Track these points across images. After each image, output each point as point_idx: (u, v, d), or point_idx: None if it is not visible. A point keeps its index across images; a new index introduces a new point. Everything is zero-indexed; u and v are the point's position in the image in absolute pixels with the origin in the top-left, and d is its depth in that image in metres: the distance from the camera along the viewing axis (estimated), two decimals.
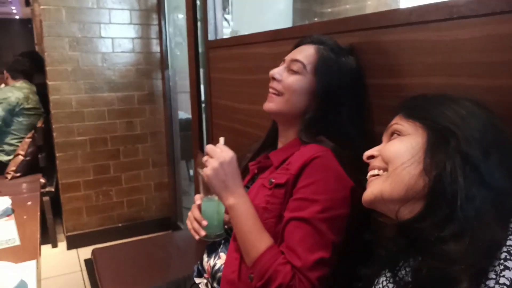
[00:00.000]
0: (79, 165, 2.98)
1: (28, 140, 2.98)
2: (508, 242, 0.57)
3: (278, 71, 1.13)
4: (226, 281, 1.04)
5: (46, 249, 2.99)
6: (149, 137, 3.22)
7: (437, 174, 0.66)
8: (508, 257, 0.56)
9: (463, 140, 0.67)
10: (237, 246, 1.02)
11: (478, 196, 0.63)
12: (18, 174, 2.87)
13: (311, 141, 1.05)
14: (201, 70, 2.39)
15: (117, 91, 3.04)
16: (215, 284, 1.11)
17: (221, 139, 1.06)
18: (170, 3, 3.15)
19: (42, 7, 2.74)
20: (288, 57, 1.14)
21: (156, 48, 3.15)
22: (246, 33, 2.06)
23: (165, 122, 3.26)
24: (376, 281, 0.78)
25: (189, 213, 1.14)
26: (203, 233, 1.07)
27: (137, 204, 3.23)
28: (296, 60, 1.10)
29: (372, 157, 0.82)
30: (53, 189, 3.00)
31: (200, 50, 2.37)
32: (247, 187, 1.18)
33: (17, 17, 11.26)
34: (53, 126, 2.86)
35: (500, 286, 0.54)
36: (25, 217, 1.51)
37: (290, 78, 1.10)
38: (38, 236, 1.34)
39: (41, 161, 3.03)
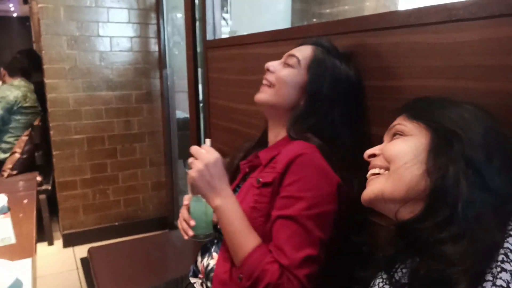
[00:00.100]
0: (76, 164, 2.97)
1: (25, 138, 2.97)
2: (505, 244, 0.58)
3: (273, 63, 1.15)
4: (218, 281, 1.05)
5: (42, 247, 2.99)
6: (147, 136, 3.22)
7: (439, 177, 0.66)
8: (505, 259, 0.56)
9: (467, 144, 0.67)
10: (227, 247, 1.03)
11: (479, 200, 0.63)
12: (14, 172, 2.86)
13: (298, 137, 1.06)
14: (199, 70, 2.39)
15: (115, 90, 3.03)
16: (209, 284, 1.11)
17: (207, 141, 1.06)
18: (168, 3, 3.14)
19: (40, 5, 2.73)
20: (286, 54, 1.16)
21: (154, 47, 3.14)
22: (245, 33, 2.07)
23: (162, 122, 3.26)
24: (372, 283, 0.78)
25: (180, 213, 1.15)
26: (191, 233, 1.07)
27: (134, 203, 3.23)
28: (293, 55, 1.12)
29: (373, 155, 0.82)
30: (49, 187, 3.00)
31: (198, 49, 2.37)
32: (238, 186, 1.18)
33: (15, 15, 11.22)
34: (50, 125, 2.86)
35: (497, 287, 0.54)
36: (21, 215, 1.50)
37: (283, 70, 1.12)
38: (34, 234, 1.34)
39: (38, 159, 3.02)
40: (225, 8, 2.89)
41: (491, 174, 0.65)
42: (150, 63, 3.14)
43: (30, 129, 3.05)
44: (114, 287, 1.62)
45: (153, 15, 3.11)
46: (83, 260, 2.69)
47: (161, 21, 3.12)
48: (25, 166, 2.94)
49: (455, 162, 0.66)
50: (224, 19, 2.41)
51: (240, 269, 0.95)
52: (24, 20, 10.33)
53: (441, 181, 0.66)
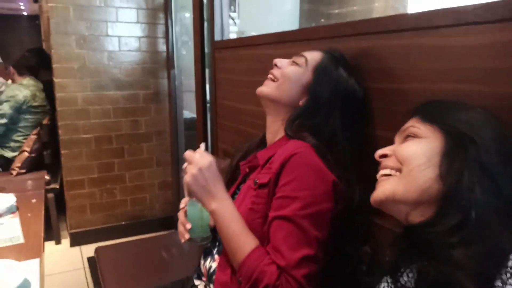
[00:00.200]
0: (83, 163, 2.99)
1: (33, 137, 2.99)
2: None
3: (281, 60, 1.17)
4: (220, 283, 1.05)
5: (49, 245, 3.01)
6: (154, 136, 3.23)
7: (454, 182, 0.66)
8: None
9: (482, 149, 0.67)
10: None
11: (492, 205, 0.63)
12: (23, 171, 2.88)
13: (294, 135, 1.06)
14: (207, 71, 2.39)
15: (122, 90, 3.05)
16: (212, 287, 1.11)
17: (202, 145, 1.06)
18: (177, 2, 3.15)
19: (50, 4, 2.75)
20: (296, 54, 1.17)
21: (162, 47, 3.15)
22: (253, 33, 2.07)
23: (170, 122, 3.27)
24: (377, 287, 0.78)
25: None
26: (187, 236, 1.07)
27: (140, 202, 3.24)
28: (301, 55, 1.14)
29: (384, 156, 0.81)
30: (57, 186, 3.02)
31: (206, 50, 2.37)
32: (238, 188, 1.18)
33: (24, 13, 11.31)
34: (59, 124, 2.88)
35: None
36: (29, 214, 1.51)
37: (289, 67, 1.14)
38: (42, 234, 1.34)
39: (46, 158, 3.04)
40: (232, 7, 2.90)
41: (505, 179, 0.65)
42: (158, 63, 3.15)
43: (38, 128, 3.07)
44: (120, 287, 1.63)
45: (161, 15, 3.11)
46: (90, 259, 2.71)
47: (169, 21, 3.13)
48: (33, 164, 2.95)
49: (470, 167, 0.66)
50: (231, 18, 2.41)
51: (239, 272, 0.95)
52: (34, 19, 10.40)
53: (455, 186, 0.66)
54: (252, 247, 0.94)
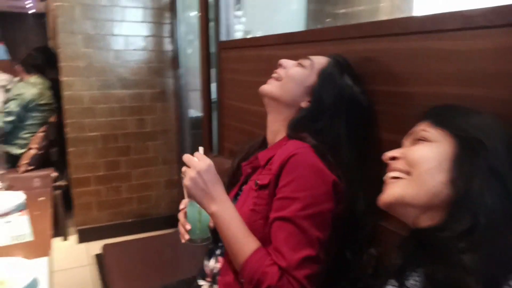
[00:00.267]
0: (90, 161, 3.01)
1: (41, 134, 3.01)
2: None
3: (287, 60, 1.19)
4: (224, 284, 1.06)
5: (57, 241, 3.04)
6: (160, 134, 3.24)
7: (464, 186, 0.66)
8: None
9: (492, 153, 0.67)
10: None
11: (501, 211, 0.63)
12: (30, 168, 2.91)
13: (294, 135, 1.07)
14: (213, 70, 2.40)
15: (128, 89, 3.06)
16: (216, 287, 1.12)
17: (201, 149, 1.07)
18: (183, 2, 3.15)
19: (56, 3, 2.77)
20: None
21: (168, 46, 3.16)
22: (259, 32, 2.07)
23: (175, 120, 3.28)
24: None
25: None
26: (187, 237, 1.07)
27: (146, 200, 3.26)
28: (308, 58, 1.15)
29: (393, 158, 0.81)
30: (64, 183, 3.04)
31: (212, 50, 2.38)
32: (240, 189, 1.19)
33: (31, 11, 11.35)
34: (66, 122, 2.90)
35: None
36: (37, 213, 1.52)
37: (295, 68, 1.15)
38: (50, 232, 1.36)
39: (53, 155, 3.07)
40: (237, 5, 2.89)
41: None
42: (164, 62, 3.16)
43: (46, 125, 3.10)
44: (126, 284, 1.64)
45: (167, 14, 3.12)
46: (97, 256, 2.73)
47: (175, 20, 3.13)
48: (40, 161, 2.99)
49: (480, 172, 0.66)
50: (237, 17, 2.41)
51: (241, 273, 0.96)
52: (40, 16, 10.43)
53: (466, 191, 0.66)
54: (253, 248, 0.95)
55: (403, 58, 1.08)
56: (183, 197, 1.12)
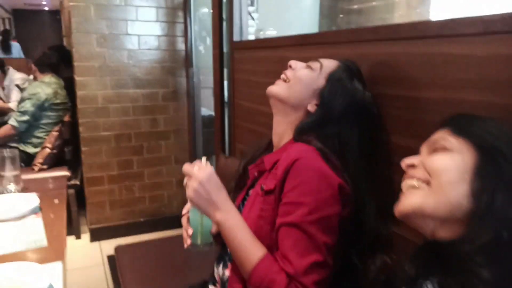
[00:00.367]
0: (103, 160, 3.03)
1: (55, 133, 3.04)
2: None
3: (296, 62, 1.16)
4: None
5: (70, 240, 3.06)
6: (172, 134, 3.26)
7: (486, 200, 0.64)
8: None
9: None
10: None
11: None
12: (45, 166, 2.95)
13: (299, 138, 1.06)
14: (225, 70, 2.39)
15: (142, 88, 3.07)
16: None
17: (203, 159, 1.06)
18: (196, 1, 3.15)
19: (71, 3, 2.78)
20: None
21: (181, 46, 3.16)
22: (271, 29, 2.06)
23: (188, 120, 3.28)
24: None
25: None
26: (190, 241, 1.07)
27: (159, 199, 3.28)
28: (317, 61, 1.13)
29: (412, 166, 0.79)
30: (78, 182, 3.07)
31: (224, 50, 2.37)
32: (247, 194, 1.17)
33: (46, 8, 11.48)
34: (80, 121, 2.92)
35: None
36: (52, 215, 1.54)
37: (303, 70, 1.13)
38: (65, 237, 1.37)
39: (67, 154, 3.10)
40: (250, 3, 2.88)
41: None
42: (177, 61, 3.17)
43: (60, 124, 3.13)
44: (138, 286, 1.65)
45: (180, 13, 3.12)
46: (110, 258, 2.75)
47: (188, 19, 3.14)
48: (55, 160, 3.02)
49: (503, 184, 0.64)
50: (249, 13, 2.39)
51: (249, 281, 0.95)
52: (55, 13, 10.55)
53: (488, 205, 0.64)
54: (260, 256, 0.94)
55: (419, 62, 1.06)
56: None
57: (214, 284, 1.20)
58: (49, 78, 3.21)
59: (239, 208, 1.14)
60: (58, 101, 3.15)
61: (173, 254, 1.83)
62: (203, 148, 3.32)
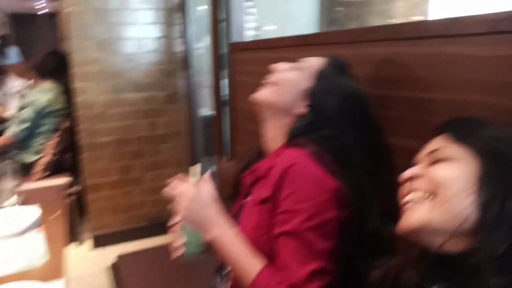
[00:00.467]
0: (104, 166, 3.01)
1: (55, 141, 3.02)
2: None
3: (279, 65, 1.13)
4: None
5: (72, 248, 3.04)
6: (172, 136, 3.23)
7: (496, 208, 0.61)
8: None
9: None
10: None
11: None
12: (45, 174, 2.93)
13: (292, 142, 1.02)
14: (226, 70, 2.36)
15: (141, 92, 3.05)
16: None
17: (197, 166, 1.04)
18: (193, 2, 3.12)
19: (68, 9, 2.75)
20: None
21: (179, 47, 3.14)
22: (271, 26, 2.03)
23: (188, 122, 3.26)
24: None
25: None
26: (180, 252, 1.04)
27: (161, 203, 3.24)
28: (302, 60, 1.10)
29: (411, 179, 0.75)
30: (78, 189, 3.05)
31: (223, 51, 2.34)
32: (243, 202, 1.13)
33: (44, 11, 11.44)
34: (79, 128, 2.90)
35: None
36: (52, 229, 1.50)
37: (287, 72, 1.10)
38: (67, 252, 1.33)
39: (67, 161, 3.09)
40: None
41: None
42: (175, 63, 3.14)
43: (59, 131, 3.11)
44: None
45: (177, 14, 3.09)
46: (112, 266, 2.72)
47: (185, 20, 3.11)
48: (54, 168, 3.00)
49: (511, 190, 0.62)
50: (248, 8, 2.35)
51: None
52: (53, 16, 10.50)
53: (498, 214, 0.61)
54: (258, 269, 0.91)
55: (423, 63, 1.04)
56: None
57: None
58: (48, 84, 3.17)
59: (236, 217, 1.11)
60: (58, 107, 3.12)
61: (176, 263, 1.81)
62: (204, 150, 3.30)
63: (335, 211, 0.92)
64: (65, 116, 3.24)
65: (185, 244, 1.03)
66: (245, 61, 2.07)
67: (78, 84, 2.85)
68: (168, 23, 3.07)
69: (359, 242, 1.03)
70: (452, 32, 0.96)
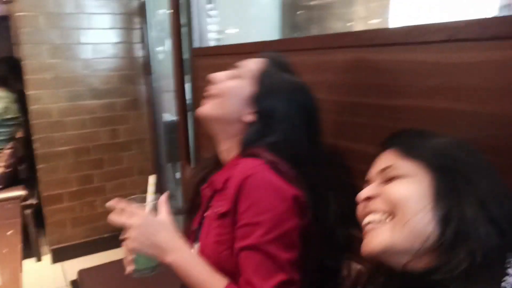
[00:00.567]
0: (61, 176, 2.88)
1: (8, 151, 2.88)
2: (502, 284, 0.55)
3: (216, 74, 1.08)
4: None
5: (30, 263, 2.90)
6: (134, 144, 3.14)
7: (454, 223, 0.61)
8: None
9: (478, 184, 0.63)
10: None
11: (494, 245, 0.59)
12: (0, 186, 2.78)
13: (246, 153, 0.99)
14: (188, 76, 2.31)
15: (99, 98, 2.94)
16: None
17: (151, 178, 1.01)
18: (153, 4, 3.05)
19: (19, 13, 2.62)
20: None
21: (139, 52, 3.06)
22: (233, 29, 2.00)
23: (150, 128, 3.18)
24: None
25: None
26: (131, 268, 0.98)
27: None
28: (239, 65, 1.06)
29: (368, 199, 0.74)
30: (35, 202, 2.91)
31: (185, 56, 2.30)
32: (203, 217, 1.09)
33: None
34: (34, 137, 2.76)
35: None
36: (5, 250, 1.40)
37: (227, 81, 1.05)
38: (21, 275, 1.24)
39: (22, 172, 2.94)
40: (209, 4, 2.81)
41: (500, 212, 0.61)
42: (135, 69, 3.06)
43: (13, 141, 2.96)
44: None
45: (136, 19, 3.02)
46: (73, 283, 2.61)
47: (145, 25, 3.03)
48: (9, 180, 2.85)
49: (468, 204, 0.61)
50: (209, 10, 2.31)
51: None
52: (3, 19, 10.04)
53: (456, 229, 0.61)
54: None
55: (386, 69, 1.04)
56: None
57: None
58: (0, 92, 3.02)
59: (198, 232, 1.07)
60: (9, 116, 2.97)
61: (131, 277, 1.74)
62: (168, 156, 3.23)
63: (296, 219, 0.91)
64: (19, 125, 3.09)
65: (134, 260, 0.98)
66: (207, 67, 2.03)
67: (32, 92, 2.71)
68: (127, 28, 2.99)
69: (327, 246, 1.02)
70: (415, 40, 0.97)
